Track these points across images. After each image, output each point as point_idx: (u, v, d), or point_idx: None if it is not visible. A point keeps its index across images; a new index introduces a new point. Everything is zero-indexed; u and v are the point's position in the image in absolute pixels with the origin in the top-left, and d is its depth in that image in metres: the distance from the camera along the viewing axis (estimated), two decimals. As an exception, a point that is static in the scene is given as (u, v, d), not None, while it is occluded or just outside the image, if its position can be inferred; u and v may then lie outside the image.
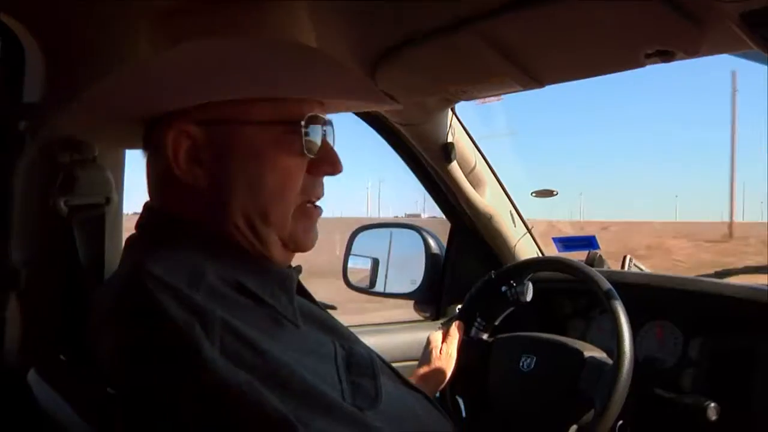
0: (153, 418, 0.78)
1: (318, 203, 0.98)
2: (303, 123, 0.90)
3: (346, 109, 1.10)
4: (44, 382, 0.95)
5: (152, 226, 0.95)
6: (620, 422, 1.38)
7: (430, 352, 1.45)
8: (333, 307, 1.24)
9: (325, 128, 0.95)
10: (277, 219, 0.91)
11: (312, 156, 0.93)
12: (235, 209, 0.89)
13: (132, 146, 1.01)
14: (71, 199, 1.11)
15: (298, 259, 1.00)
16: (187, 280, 0.81)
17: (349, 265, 2.13)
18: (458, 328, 1.50)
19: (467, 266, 2.05)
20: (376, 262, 2.13)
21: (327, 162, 0.96)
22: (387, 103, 1.05)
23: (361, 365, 0.91)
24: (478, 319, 1.63)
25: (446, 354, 1.45)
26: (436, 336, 1.49)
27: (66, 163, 1.11)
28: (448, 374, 1.44)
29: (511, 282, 1.58)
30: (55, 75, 1.10)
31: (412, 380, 1.32)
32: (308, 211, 0.96)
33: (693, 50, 1.16)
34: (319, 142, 0.93)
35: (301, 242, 0.96)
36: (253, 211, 0.90)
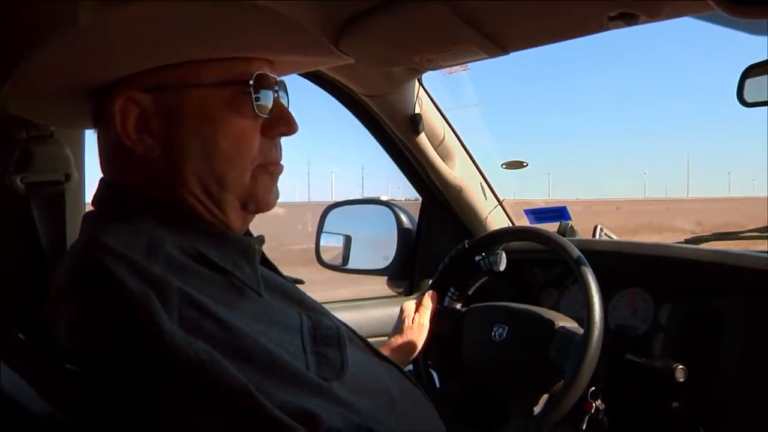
0: (111, 392, 0.76)
1: (282, 164, 0.97)
2: (251, 82, 0.89)
3: (298, 70, 1.09)
4: (2, 363, 0.93)
5: (109, 200, 0.93)
6: (592, 388, 1.38)
7: (403, 322, 1.46)
8: (300, 281, 1.23)
9: (277, 87, 0.94)
10: (233, 181, 0.90)
11: (265, 116, 0.91)
12: (190, 176, 0.88)
13: (87, 126, 0.99)
14: (28, 176, 1.09)
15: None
16: (145, 251, 0.80)
17: (322, 242, 2.12)
18: (431, 298, 1.50)
19: (439, 240, 2.04)
20: (348, 239, 2.12)
21: (282, 122, 0.94)
22: (337, 58, 1.03)
23: (327, 336, 0.90)
24: (452, 289, 1.64)
25: (418, 324, 1.45)
26: (409, 305, 1.49)
27: (22, 138, 1.08)
28: (420, 344, 1.44)
29: (484, 252, 1.58)
30: None
31: (385, 350, 1.34)
32: (269, 170, 0.95)
33: (655, 13, 1.16)
34: (270, 101, 0.92)
35: (262, 201, 0.94)
36: (209, 176, 0.89)
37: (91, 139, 1.20)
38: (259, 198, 0.94)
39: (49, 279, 0.95)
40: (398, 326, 1.46)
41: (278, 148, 0.96)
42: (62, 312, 0.82)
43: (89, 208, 0.97)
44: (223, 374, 0.74)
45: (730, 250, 1.56)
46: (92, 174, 1.20)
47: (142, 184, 0.89)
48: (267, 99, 0.91)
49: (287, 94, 0.97)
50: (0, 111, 1.06)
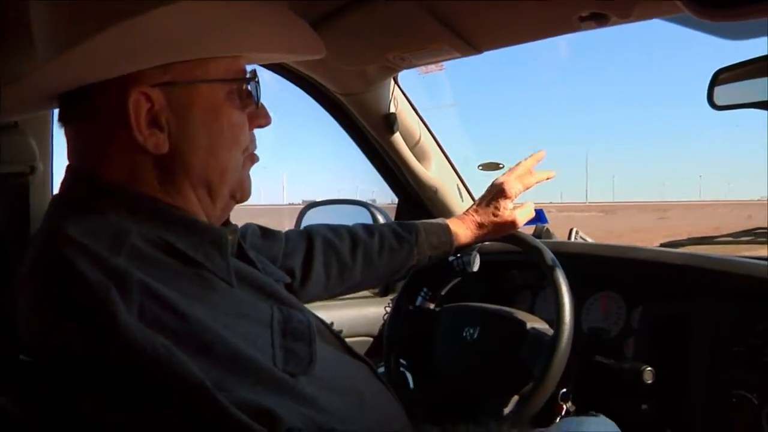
0: (66, 384, 0.75)
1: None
2: (248, 77, 0.93)
3: (268, 61, 1.11)
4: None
5: (76, 189, 0.91)
6: (563, 390, 1.38)
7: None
8: (287, 279, 1.22)
9: (257, 80, 0.97)
10: (231, 172, 0.93)
11: (253, 110, 0.96)
12: (195, 169, 0.89)
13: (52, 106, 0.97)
14: None
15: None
16: (109, 242, 0.79)
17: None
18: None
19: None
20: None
21: (260, 114, 0.98)
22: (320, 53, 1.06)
23: (297, 330, 0.89)
24: (425, 289, 1.64)
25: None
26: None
27: None
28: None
29: (458, 252, 1.58)
30: None
31: (469, 218, 1.49)
32: (252, 159, 0.99)
33: (625, 14, 1.16)
34: (257, 95, 0.95)
35: (247, 190, 0.98)
36: (213, 170, 0.91)
37: (58, 130, 1.20)
38: (245, 186, 0.97)
39: (12, 270, 0.94)
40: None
41: (254, 138, 1.00)
42: (21, 302, 0.81)
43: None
44: (180, 370, 0.73)
45: (701, 254, 1.56)
46: (61, 166, 1.19)
47: (126, 178, 0.88)
48: (256, 93, 0.95)
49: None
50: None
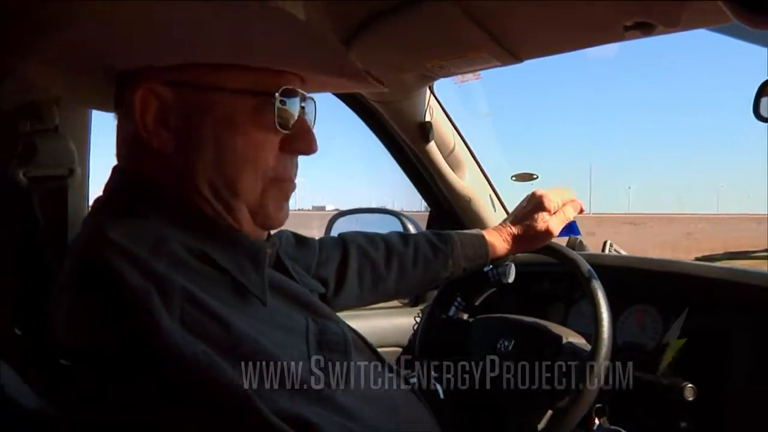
0: (105, 388, 0.75)
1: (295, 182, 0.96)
2: (277, 95, 0.87)
3: (328, 89, 1.07)
4: (-2, 358, 0.92)
5: (119, 190, 0.91)
6: (598, 405, 1.36)
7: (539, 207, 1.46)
8: (321, 289, 1.21)
9: (304, 104, 0.92)
10: (244, 190, 0.88)
11: (286, 132, 0.89)
12: (201, 176, 0.86)
13: (102, 108, 0.98)
14: (31, 171, 1.08)
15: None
16: (150, 247, 0.78)
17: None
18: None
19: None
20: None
21: (301, 140, 0.92)
22: (370, 85, 1.01)
23: (333, 342, 0.89)
24: (459, 299, 1.63)
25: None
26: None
27: (26, 132, 1.07)
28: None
29: (494, 263, 1.57)
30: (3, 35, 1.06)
31: (503, 233, 1.47)
32: (281, 187, 0.93)
33: (672, 23, 1.14)
34: (294, 117, 0.90)
35: (272, 217, 0.93)
36: (219, 180, 0.87)
37: (95, 134, 1.21)
38: (269, 212, 0.92)
39: (51, 273, 0.94)
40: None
41: (295, 165, 0.95)
42: (62, 305, 0.81)
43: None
44: (220, 376, 0.72)
45: (739, 268, 1.54)
46: (97, 170, 1.20)
47: (155, 176, 0.88)
48: (291, 113, 0.90)
49: (315, 111, 0.96)
50: (4, 104, 1.06)
